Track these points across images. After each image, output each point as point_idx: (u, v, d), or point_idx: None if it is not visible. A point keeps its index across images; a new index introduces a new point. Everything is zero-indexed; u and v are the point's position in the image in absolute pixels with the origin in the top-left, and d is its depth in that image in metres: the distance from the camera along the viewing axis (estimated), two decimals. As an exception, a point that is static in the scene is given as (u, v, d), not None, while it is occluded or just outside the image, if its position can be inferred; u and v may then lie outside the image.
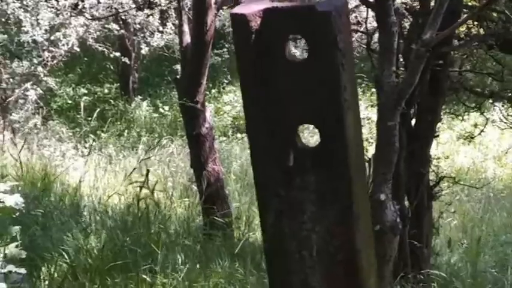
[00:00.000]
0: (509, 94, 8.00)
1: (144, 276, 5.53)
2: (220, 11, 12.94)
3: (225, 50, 17.28)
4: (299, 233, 1.78)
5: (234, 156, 13.79)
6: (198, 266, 5.90)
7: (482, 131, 8.55)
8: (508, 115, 8.33)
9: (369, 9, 6.85)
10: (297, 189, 1.78)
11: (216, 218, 8.07)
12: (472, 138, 8.81)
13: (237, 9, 1.79)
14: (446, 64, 7.43)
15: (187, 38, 8.48)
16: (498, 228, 10.25)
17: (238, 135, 16.17)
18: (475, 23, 8.04)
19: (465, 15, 7.05)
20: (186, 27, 8.51)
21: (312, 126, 1.81)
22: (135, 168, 9.09)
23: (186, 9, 8.91)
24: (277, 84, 1.70)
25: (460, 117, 9.00)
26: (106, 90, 19.42)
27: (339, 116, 1.74)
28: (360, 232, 1.76)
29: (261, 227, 1.86)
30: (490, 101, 8.51)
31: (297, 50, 14.77)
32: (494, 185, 13.02)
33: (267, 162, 1.80)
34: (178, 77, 8.79)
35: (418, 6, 7.30)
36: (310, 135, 8.55)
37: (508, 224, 10.57)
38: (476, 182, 12.87)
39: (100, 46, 14.87)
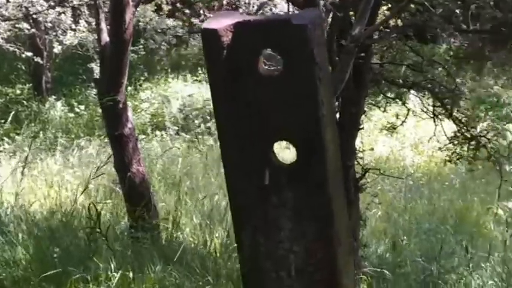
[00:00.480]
0: (429, 85, 8.08)
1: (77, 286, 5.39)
2: (136, 7, 12.71)
3: (141, 46, 17.05)
4: (276, 252, 1.72)
5: (154, 155, 13.62)
6: (131, 272, 5.76)
7: (404, 121, 8.63)
8: (429, 105, 8.41)
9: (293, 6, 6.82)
10: (273, 207, 1.72)
11: (142, 221, 7.93)
12: (394, 129, 8.90)
13: (208, 24, 1.72)
14: (368, 56, 7.47)
15: (105, 37, 8.29)
16: (420, 217, 10.39)
17: (157, 132, 15.99)
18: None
19: (391, 7, 7.09)
20: (103, 25, 8.32)
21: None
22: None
23: (103, 7, 8.71)
24: (251, 100, 1.63)
25: (382, 108, 9.04)
26: (18, 91, 18.96)
27: (317, 132, 1.69)
28: (340, 249, 1.71)
29: (237, 247, 1.80)
30: (412, 91, 8.58)
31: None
32: (414, 173, 13.20)
33: (241, 181, 1.74)
34: (97, 76, 8.60)
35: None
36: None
37: (429, 211, 10.73)
38: (396, 171, 13.04)
39: (11, 46, 14.49)
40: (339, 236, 1.68)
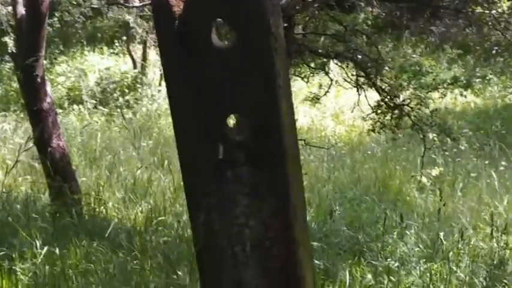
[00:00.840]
0: (352, 54, 8.09)
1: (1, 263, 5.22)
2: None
3: (56, 19, 16.63)
4: (231, 228, 1.63)
5: (73, 129, 13.35)
6: (57, 249, 5.60)
7: (327, 91, 8.64)
8: (352, 74, 8.42)
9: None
10: (228, 182, 1.63)
11: (64, 196, 7.76)
12: (318, 99, 8.90)
13: None
14: (291, 27, 7.42)
15: (21, 9, 8.05)
16: (344, 186, 10.44)
17: (75, 106, 15.68)
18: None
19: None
20: (19, -2, 8.07)
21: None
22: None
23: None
24: (203, 72, 1.54)
25: (306, 79, 9.02)
26: None
27: (273, 104, 1.60)
28: (297, 223, 1.63)
29: (191, 224, 1.70)
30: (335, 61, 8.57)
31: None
32: (336, 143, 13.26)
33: (194, 156, 1.63)
34: (14, 51, 8.33)
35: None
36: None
37: (353, 180, 10.79)
38: (318, 141, 13.09)
39: None
40: (295, 209, 1.60)
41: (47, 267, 5.33)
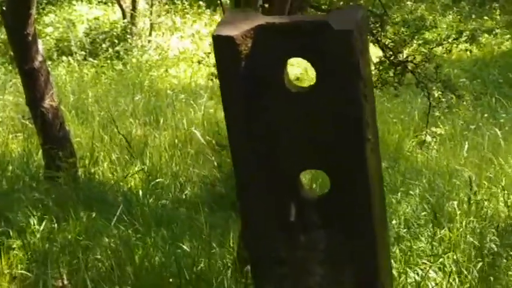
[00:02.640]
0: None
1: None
2: None
3: (42, -32, 16.19)
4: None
5: (63, 82, 13.01)
6: (55, 223, 5.39)
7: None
8: None
9: None
10: (301, 249, 1.37)
11: (58, 160, 7.52)
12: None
13: (221, 29, 1.33)
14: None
15: (9, -37, 7.70)
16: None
17: (64, 58, 15.30)
18: None
19: None
20: (5, -49, 7.72)
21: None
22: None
23: None
24: (273, 119, 1.29)
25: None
26: None
27: (360, 161, 1.34)
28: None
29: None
30: None
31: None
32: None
33: (261, 216, 1.38)
34: (4, 8, 7.98)
35: None
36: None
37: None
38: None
39: None
40: (383, 282, 1.34)
41: (46, 244, 5.11)
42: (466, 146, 9.54)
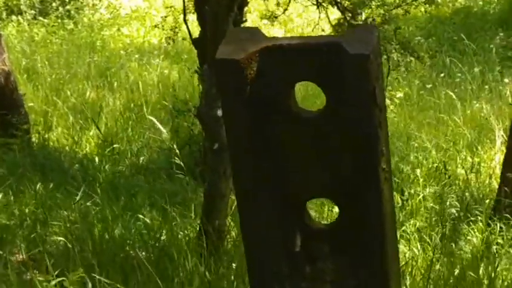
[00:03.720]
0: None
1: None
2: None
3: None
4: None
5: (12, 43, 12.67)
6: (11, 196, 5.23)
7: (286, 9, 8.25)
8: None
9: None
10: (307, 280, 1.27)
11: (12, 127, 7.34)
12: (276, 17, 8.48)
13: (224, 52, 1.21)
14: None
15: None
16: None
17: (13, 17, 14.91)
18: None
19: None
20: None
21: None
22: None
23: None
24: (279, 144, 1.19)
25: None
26: None
27: (374, 190, 1.23)
28: None
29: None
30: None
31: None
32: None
33: (263, 245, 1.28)
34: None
35: None
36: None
37: (306, 97, 10.51)
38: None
39: None
40: None
41: (4, 220, 4.96)
42: (421, 104, 9.51)
